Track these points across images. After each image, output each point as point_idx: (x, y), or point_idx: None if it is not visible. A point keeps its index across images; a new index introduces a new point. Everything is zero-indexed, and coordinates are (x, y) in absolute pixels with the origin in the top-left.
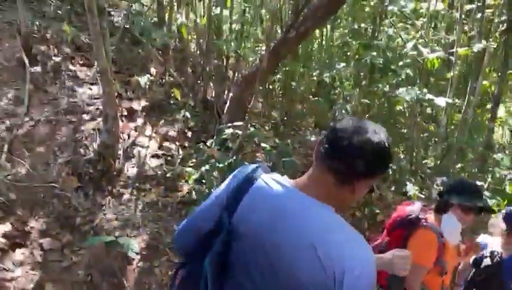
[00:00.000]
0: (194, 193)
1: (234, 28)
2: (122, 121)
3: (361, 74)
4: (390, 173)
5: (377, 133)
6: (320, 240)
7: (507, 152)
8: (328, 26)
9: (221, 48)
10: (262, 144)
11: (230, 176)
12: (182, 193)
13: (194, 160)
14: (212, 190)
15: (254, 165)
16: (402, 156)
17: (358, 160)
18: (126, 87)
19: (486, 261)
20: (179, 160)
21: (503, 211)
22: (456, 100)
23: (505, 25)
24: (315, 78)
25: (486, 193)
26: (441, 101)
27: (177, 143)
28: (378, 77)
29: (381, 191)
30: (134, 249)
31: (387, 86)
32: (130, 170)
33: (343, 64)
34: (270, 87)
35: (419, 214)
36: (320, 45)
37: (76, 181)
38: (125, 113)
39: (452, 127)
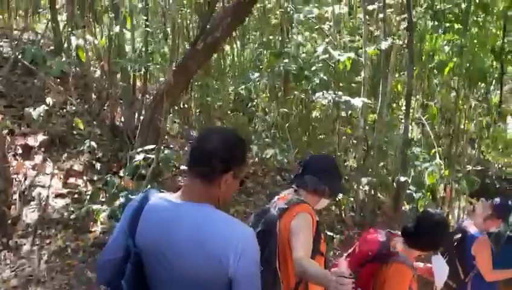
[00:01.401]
0: (107, 231)
1: (138, 46)
2: (17, 160)
3: (277, 84)
4: None
5: (224, 133)
6: (205, 236)
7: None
8: (238, 43)
9: (125, 69)
10: (183, 167)
11: (126, 207)
12: (95, 234)
13: (106, 194)
14: None
15: (142, 193)
16: None
17: (213, 160)
18: (19, 122)
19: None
20: (88, 197)
21: (496, 200)
22: (369, 101)
23: (406, 23)
24: (231, 92)
25: (411, 187)
26: (357, 102)
27: (85, 178)
28: (294, 85)
29: None
30: None
31: (303, 93)
32: (30, 215)
33: (256, 74)
34: (186, 105)
35: (389, 246)
36: (233, 61)
37: None
38: (20, 150)
39: (367, 127)
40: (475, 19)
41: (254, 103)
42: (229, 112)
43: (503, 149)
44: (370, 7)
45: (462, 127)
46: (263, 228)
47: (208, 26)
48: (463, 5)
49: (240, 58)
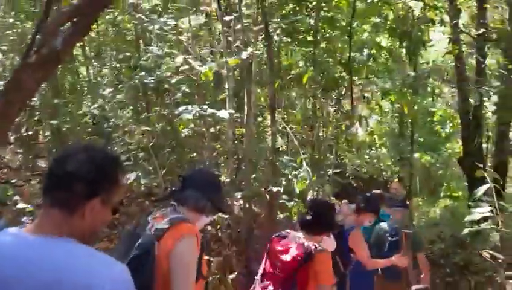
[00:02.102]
0: None
1: None
2: None
3: (140, 101)
4: None
5: (89, 150)
6: (65, 280)
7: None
8: (95, 63)
9: None
10: (21, 205)
11: None
12: None
13: None
14: None
15: None
16: None
17: (75, 183)
18: None
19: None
20: None
21: (366, 195)
22: (234, 112)
23: (263, 33)
24: (86, 114)
25: (284, 197)
26: (223, 114)
27: None
28: (155, 100)
29: None
30: None
31: (166, 108)
32: None
33: (110, 89)
34: (29, 133)
35: (309, 243)
36: (89, 80)
37: None
38: None
39: (236, 141)
40: (323, 32)
41: (111, 123)
42: (85, 136)
43: (356, 151)
44: (227, 18)
45: (320, 133)
46: (139, 252)
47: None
48: (312, 21)
49: (97, 77)
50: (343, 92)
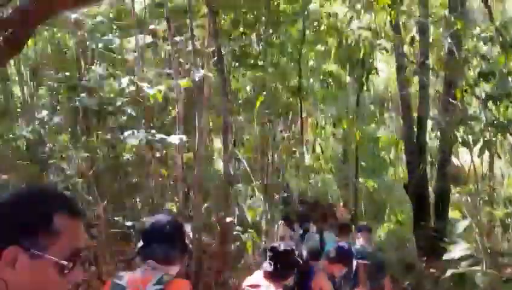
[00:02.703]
0: None
1: None
2: None
3: (79, 126)
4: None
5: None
6: None
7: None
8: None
9: None
10: None
11: None
12: None
13: None
14: None
15: None
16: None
17: None
18: None
19: None
20: None
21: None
22: (185, 138)
23: (216, 55)
24: (20, 138)
25: (238, 228)
26: (173, 139)
27: None
28: (97, 124)
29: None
30: None
31: (109, 132)
32: None
33: (46, 112)
34: None
35: None
36: (24, 102)
37: None
38: None
39: (184, 167)
40: (272, 57)
41: (47, 148)
42: (17, 162)
43: (303, 176)
44: (177, 38)
45: (269, 159)
46: None
47: None
48: (258, 47)
49: (32, 98)
50: (290, 118)
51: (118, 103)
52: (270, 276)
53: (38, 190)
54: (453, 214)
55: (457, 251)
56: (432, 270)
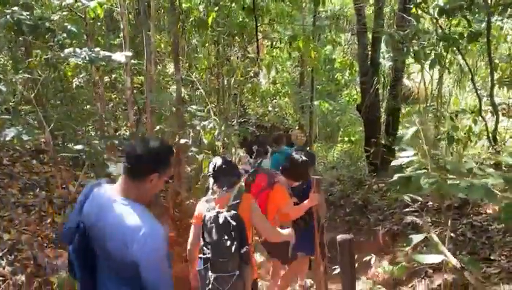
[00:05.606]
0: None
1: None
2: None
3: (17, 46)
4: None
5: (151, 141)
6: (122, 225)
7: None
8: None
9: None
10: None
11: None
12: None
13: None
14: None
15: (96, 181)
16: (93, 134)
17: (141, 164)
18: None
19: None
20: None
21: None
22: (131, 54)
23: None
24: None
25: (194, 149)
26: (119, 57)
27: None
28: (36, 42)
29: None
30: None
31: (49, 51)
32: None
33: None
34: None
35: (273, 178)
36: None
37: None
38: None
39: (135, 91)
40: None
41: None
42: None
43: (260, 100)
44: None
45: (226, 82)
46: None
47: None
48: None
49: None
50: (247, 39)
51: (55, 17)
52: (281, 171)
53: (165, 146)
54: (402, 131)
55: (404, 157)
56: (380, 184)
